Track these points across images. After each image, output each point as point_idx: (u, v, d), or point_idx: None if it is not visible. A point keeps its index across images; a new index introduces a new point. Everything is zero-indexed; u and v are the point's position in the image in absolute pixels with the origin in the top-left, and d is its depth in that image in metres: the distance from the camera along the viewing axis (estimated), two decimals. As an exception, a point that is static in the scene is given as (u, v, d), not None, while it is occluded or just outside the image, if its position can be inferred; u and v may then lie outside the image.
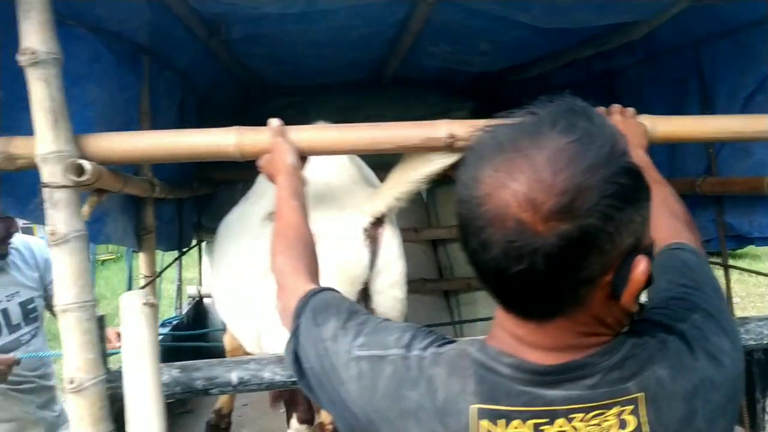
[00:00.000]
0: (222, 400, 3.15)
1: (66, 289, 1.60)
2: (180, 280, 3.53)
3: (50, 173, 1.59)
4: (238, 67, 3.52)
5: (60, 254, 1.60)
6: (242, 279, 2.32)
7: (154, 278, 2.48)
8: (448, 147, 1.80)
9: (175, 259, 3.19)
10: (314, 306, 1.12)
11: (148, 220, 2.47)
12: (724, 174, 2.71)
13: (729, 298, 2.93)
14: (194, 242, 4.03)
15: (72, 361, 1.61)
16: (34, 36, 1.56)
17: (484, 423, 0.84)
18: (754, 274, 2.67)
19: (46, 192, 1.60)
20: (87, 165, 1.60)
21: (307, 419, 2.20)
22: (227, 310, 2.58)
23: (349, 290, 1.98)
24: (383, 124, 1.83)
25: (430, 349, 0.93)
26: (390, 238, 2.06)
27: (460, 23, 2.80)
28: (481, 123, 1.80)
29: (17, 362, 2.40)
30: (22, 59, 1.56)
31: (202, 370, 1.75)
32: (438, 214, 4.65)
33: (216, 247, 2.75)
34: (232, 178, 4.14)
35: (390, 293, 2.06)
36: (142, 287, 2.51)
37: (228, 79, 3.72)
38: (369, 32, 3.00)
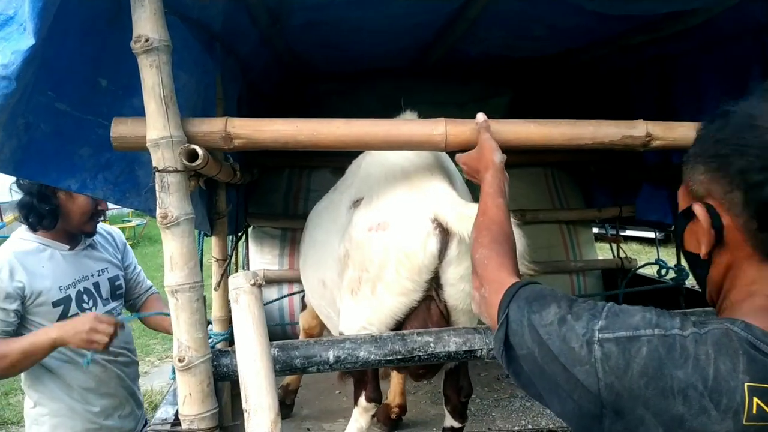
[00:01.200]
0: (290, 377, 3.19)
1: (177, 270, 1.65)
2: (236, 264, 3.60)
3: (161, 158, 1.64)
4: (288, 55, 3.55)
5: (171, 237, 1.65)
6: (328, 264, 2.38)
7: (228, 261, 2.54)
8: (644, 145, 1.90)
9: (236, 243, 3.25)
10: (526, 295, 1.16)
11: (221, 204, 2.52)
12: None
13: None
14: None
15: (182, 339, 1.66)
16: (148, 24, 1.60)
17: (757, 400, 0.88)
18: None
19: (157, 176, 1.64)
20: (200, 150, 1.65)
21: (375, 398, 2.22)
22: (315, 293, 2.64)
23: (415, 279, 2.00)
24: (583, 121, 1.90)
25: (689, 329, 0.96)
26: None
27: (518, 9, 2.82)
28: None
29: (122, 326, 2.46)
30: (135, 46, 1.61)
31: (300, 349, 1.80)
32: None
33: (306, 233, 2.82)
34: (280, 165, 4.20)
35: (460, 286, 2.04)
36: (221, 272, 2.56)
37: (276, 67, 3.75)
38: (425, 19, 3.03)
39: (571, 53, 3.57)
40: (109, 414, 2.65)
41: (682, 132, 1.95)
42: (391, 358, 1.82)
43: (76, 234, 2.65)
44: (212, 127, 1.75)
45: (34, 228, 2.55)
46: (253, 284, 1.68)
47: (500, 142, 1.82)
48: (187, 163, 1.64)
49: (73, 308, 2.54)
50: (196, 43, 2.12)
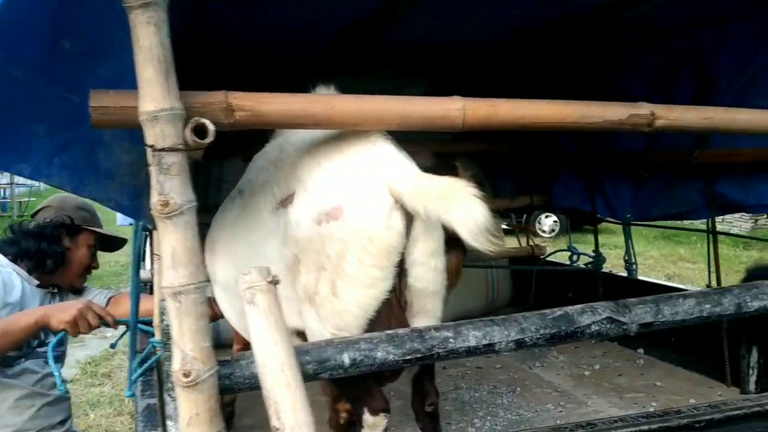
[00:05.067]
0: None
1: (181, 267, 1.40)
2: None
3: (160, 134, 1.37)
4: (200, 33, 3.25)
5: (173, 228, 1.40)
6: None
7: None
8: (649, 125, 1.88)
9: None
10: None
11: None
12: (714, 146, 2.88)
13: (717, 264, 3.13)
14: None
15: (186, 350, 1.40)
16: (144, -27, 1.33)
17: None
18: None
19: (154, 156, 1.38)
20: (210, 125, 1.40)
21: (383, 407, 1.84)
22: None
23: (384, 264, 1.74)
24: (591, 102, 1.86)
25: None
26: None
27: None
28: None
29: (115, 322, 2.36)
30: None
31: (311, 353, 1.59)
32: None
33: (219, 244, 2.42)
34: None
35: (432, 263, 1.81)
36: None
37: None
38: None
39: (501, 43, 3.55)
40: None
41: (680, 113, 1.97)
42: (409, 357, 1.66)
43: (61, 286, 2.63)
44: (211, 98, 1.50)
45: (29, 270, 2.51)
46: (270, 282, 1.46)
47: (514, 122, 1.75)
48: (196, 139, 1.39)
49: None
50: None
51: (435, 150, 4.35)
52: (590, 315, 1.84)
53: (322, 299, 1.79)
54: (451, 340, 1.70)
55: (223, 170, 4.03)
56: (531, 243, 4.62)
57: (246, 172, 2.40)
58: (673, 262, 11.99)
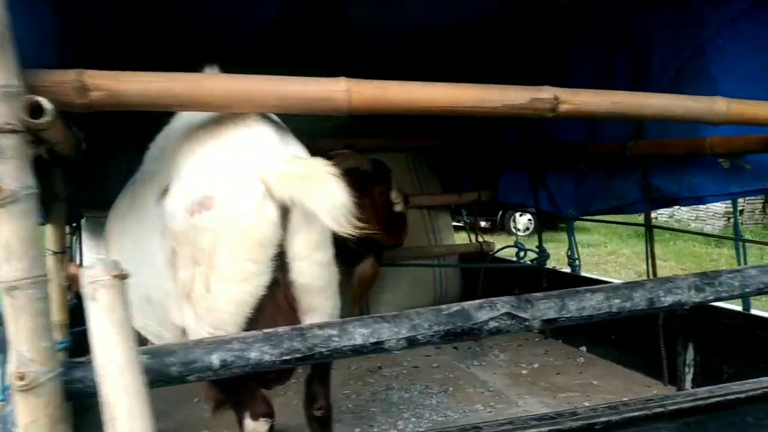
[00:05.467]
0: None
1: (15, 260, 1.28)
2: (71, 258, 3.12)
3: (-9, 114, 1.25)
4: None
5: (8, 217, 1.27)
6: (149, 275, 1.89)
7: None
8: (553, 109, 1.82)
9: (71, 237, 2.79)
10: None
11: (59, 185, 2.10)
12: (650, 137, 2.80)
13: (653, 258, 3.06)
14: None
15: (22, 351, 1.29)
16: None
17: None
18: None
19: (-16, 138, 1.26)
20: (47, 104, 1.28)
21: (266, 412, 1.79)
22: (138, 313, 2.09)
23: (257, 258, 1.63)
24: (491, 85, 1.80)
25: None
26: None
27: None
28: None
29: None
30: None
31: (177, 354, 1.48)
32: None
33: (111, 238, 2.30)
34: (116, 143, 3.71)
35: (314, 258, 1.70)
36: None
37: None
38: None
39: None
40: None
41: (587, 97, 1.90)
42: (288, 357, 1.55)
43: None
44: (62, 77, 1.39)
45: None
46: (116, 276, 1.34)
47: (405, 104, 1.68)
48: (29, 119, 1.27)
49: None
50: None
51: (383, 144, 4.28)
52: (488, 310, 1.75)
53: (197, 296, 1.69)
54: (335, 339, 1.60)
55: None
56: (480, 239, 4.55)
57: (143, 162, 2.27)
58: (644, 260, 11.98)
